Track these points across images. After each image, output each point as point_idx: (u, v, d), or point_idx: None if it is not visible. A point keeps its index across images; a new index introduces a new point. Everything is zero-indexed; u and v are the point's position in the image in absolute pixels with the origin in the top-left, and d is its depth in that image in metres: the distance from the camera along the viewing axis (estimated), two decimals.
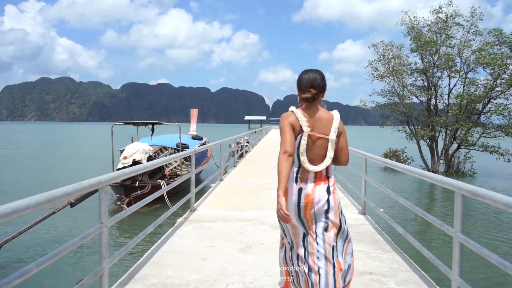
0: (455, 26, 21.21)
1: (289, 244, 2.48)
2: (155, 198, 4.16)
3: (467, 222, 10.44)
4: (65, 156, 29.56)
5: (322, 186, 2.39)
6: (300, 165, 2.39)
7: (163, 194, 6.00)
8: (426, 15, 22.07)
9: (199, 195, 6.57)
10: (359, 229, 4.83)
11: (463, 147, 20.90)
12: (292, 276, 2.44)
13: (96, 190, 8.56)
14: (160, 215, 4.40)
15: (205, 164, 15.02)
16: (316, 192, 2.37)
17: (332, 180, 2.45)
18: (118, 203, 11.29)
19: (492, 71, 19.40)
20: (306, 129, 2.35)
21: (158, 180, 12.14)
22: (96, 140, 52.09)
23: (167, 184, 10.97)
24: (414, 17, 22.26)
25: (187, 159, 16.32)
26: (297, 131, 2.37)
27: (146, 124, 13.95)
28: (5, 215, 1.64)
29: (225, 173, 10.17)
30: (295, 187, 2.38)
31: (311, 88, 2.40)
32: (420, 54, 21.98)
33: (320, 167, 2.39)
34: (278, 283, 2.73)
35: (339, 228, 2.40)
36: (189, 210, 5.69)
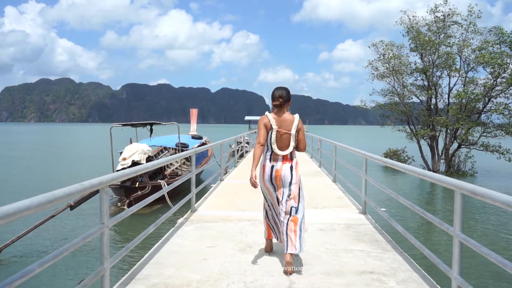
0: (453, 25, 21.20)
1: (269, 206, 3.72)
2: (156, 198, 4.17)
3: (467, 221, 10.44)
4: (65, 157, 29.58)
5: (287, 165, 3.57)
6: (272, 151, 3.58)
7: (164, 195, 6.02)
8: (424, 15, 22.07)
9: (199, 195, 6.57)
10: (359, 229, 4.84)
11: (464, 146, 20.88)
12: (272, 226, 3.75)
13: (96, 192, 8.62)
14: (160, 216, 4.41)
15: (206, 164, 15.02)
16: (283, 169, 3.55)
17: (294, 161, 3.63)
18: (119, 204, 11.30)
19: (492, 70, 19.38)
20: (274, 127, 3.54)
21: (159, 180, 12.12)
22: (96, 141, 52.09)
23: (167, 184, 10.98)
24: (413, 16, 22.28)
25: (188, 159, 16.30)
26: (269, 128, 3.57)
27: (144, 125, 13.95)
28: (7, 215, 1.65)
29: (226, 173, 10.17)
30: (269, 165, 3.59)
31: (279, 98, 3.58)
32: (419, 53, 21.97)
33: (286, 152, 3.57)
34: (264, 236, 3.97)
35: (298, 196, 3.56)
36: (190, 210, 5.70)
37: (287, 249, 3.40)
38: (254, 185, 3.56)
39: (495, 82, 19.48)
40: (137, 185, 11.29)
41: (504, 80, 19.12)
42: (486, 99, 20.11)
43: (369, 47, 23.69)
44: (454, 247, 2.72)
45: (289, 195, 3.52)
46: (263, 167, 3.62)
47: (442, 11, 21.11)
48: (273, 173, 3.55)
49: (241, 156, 15.59)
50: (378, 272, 3.40)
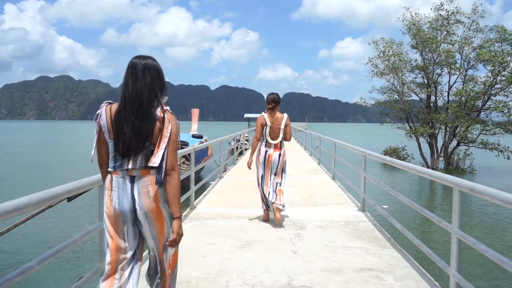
0: (456, 23, 21.20)
1: (259, 179, 5.02)
2: None
3: (466, 218, 10.46)
4: (64, 154, 29.57)
5: (277, 153, 4.94)
6: (266, 141, 4.93)
7: None
8: (426, 12, 22.10)
9: (199, 193, 6.58)
10: (358, 226, 4.85)
11: (463, 144, 20.89)
12: (264, 195, 4.95)
13: None
14: None
15: (206, 161, 15.02)
16: (274, 155, 4.92)
17: (283, 150, 5.00)
18: None
19: (492, 68, 19.38)
20: (268, 123, 4.92)
21: None
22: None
23: None
24: (415, 13, 22.26)
25: (187, 158, 16.28)
26: (264, 125, 4.93)
27: None
28: (6, 212, 1.66)
29: (225, 170, 10.18)
30: (264, 150, 4.95)
31: (272, 102, 4.94)
32: (420, 51, 21.96)
33: (276, 141, 4.93)
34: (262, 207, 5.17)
35: (281, 174, 5.01)
36: (189, 207, 5.70)
37: (275, 209, 4.85)
38: (249, 166, 5.02)
39: (495, 80, 19.48)
40: None
41: (504, 78, 19.12)
42: (486, 97, 20.11)
43: (369, 44, 23.68)
44: (452, 244, 2.73)
45: (275, 174, 4.96)
46: (259, 151, 5.01)
47: (447, 9, 21.11)
48: (267, 156, 4.93)
49: (240, 153, 15.58)
50: (376, 269, 3.41)
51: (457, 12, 20.94)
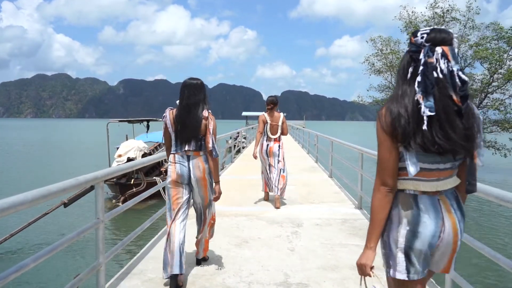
0: (452, 21, 21.24)
1: (263, 170, 6.07)
2: (151, 194, 4.16)
3: None
4: (61, 153, 29.48)
5: (276, 145, 5.87)
6: (267, 136, 5.87)
7: (159, 190, 6.01)
8: (423, 10, 22.13)
9: None
10: (355, 224, 4.86)
11: None
12: (266, 181, 6.02)
13: (89, 190, 8.54)
14: (156, 211, 4.41)
15: None
16: (274, 147, 5.85)
17: (281, 142, 5.95)
18: (114, 201, 11.26)
19: (489, 65, 19.43)
20: (268, 121, 5.86)
21: (154, 177, 12.08)
22: (93, 137, 51.93)
23: (163, 181, 10.95)
24: (412, 12, 22.29)
25: None
26: (265, 122, 5.86)
27: (141, 121, 13.89)
28: (1, 210, 1.65)
29: (222, 168, 10.17)
30: (265, 143, 5.88)
31: (271, 104, 5.89)
32: None
33: (276, 136, 5.87)
34: (262, 190, 6.29)
35: (283, 162, 5.89)
36: None
37: (277, 193, 5.71)
38: (254, 157, 6.05)
39: (491, 78, 19.52)
40: (132, 182, 11.25)
41: (500, 76, 19.17)
42: (483, 95, 20.16)
43: (367, 42, 23.71)
44: None
45: (278, 162, 5.85)
46: (261, 145, 5.93)
47: (441, 7, 21.15)
48: (268, 148, 5.87)
49: (238, 151, 15.58)
50: None
51: (452, 10, 20.98)
